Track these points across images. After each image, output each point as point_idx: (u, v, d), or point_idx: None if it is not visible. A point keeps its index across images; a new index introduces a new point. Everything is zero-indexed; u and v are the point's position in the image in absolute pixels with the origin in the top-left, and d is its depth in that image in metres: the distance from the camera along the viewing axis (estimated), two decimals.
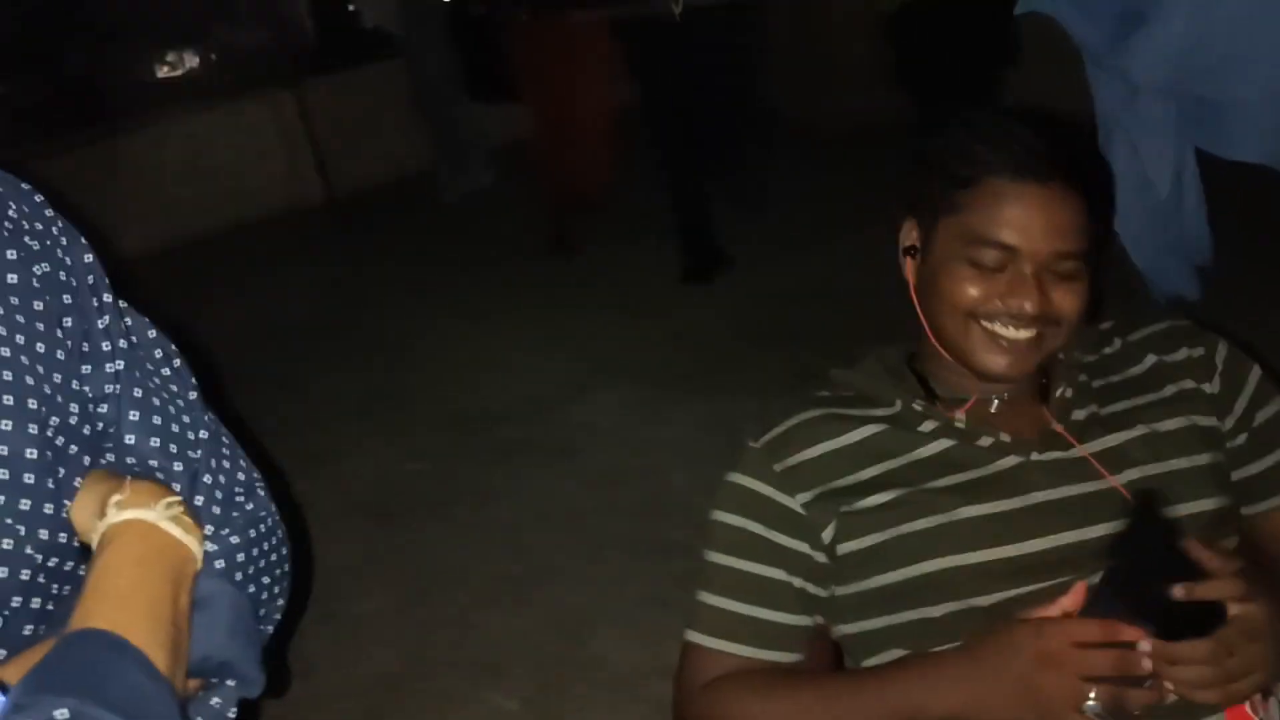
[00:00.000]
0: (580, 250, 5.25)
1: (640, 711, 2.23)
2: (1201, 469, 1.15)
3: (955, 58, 4.11)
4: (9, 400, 0.72)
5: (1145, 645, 0.96)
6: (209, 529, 0.83)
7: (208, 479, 0.85)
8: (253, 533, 0.87)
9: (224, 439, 0.90)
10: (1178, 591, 0.95)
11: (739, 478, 1.23)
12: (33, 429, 0.73)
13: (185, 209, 6.96)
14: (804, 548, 1.18)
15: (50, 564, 0.74)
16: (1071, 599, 1.02)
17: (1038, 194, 1.14)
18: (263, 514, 0.90)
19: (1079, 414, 1.19)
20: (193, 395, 0.89)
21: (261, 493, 0.91)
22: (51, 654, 0.66)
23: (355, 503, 3.34)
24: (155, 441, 0.82)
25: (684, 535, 2.79)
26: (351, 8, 7.82)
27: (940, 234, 1.20)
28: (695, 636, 1.21)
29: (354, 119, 7.72)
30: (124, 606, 0.70)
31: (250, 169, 7.53)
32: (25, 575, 0.72)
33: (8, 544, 0.70)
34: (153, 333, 0.89)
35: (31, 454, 0.73)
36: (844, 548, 1.17)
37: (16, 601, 0.72)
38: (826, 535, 1.17)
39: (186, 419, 0.86)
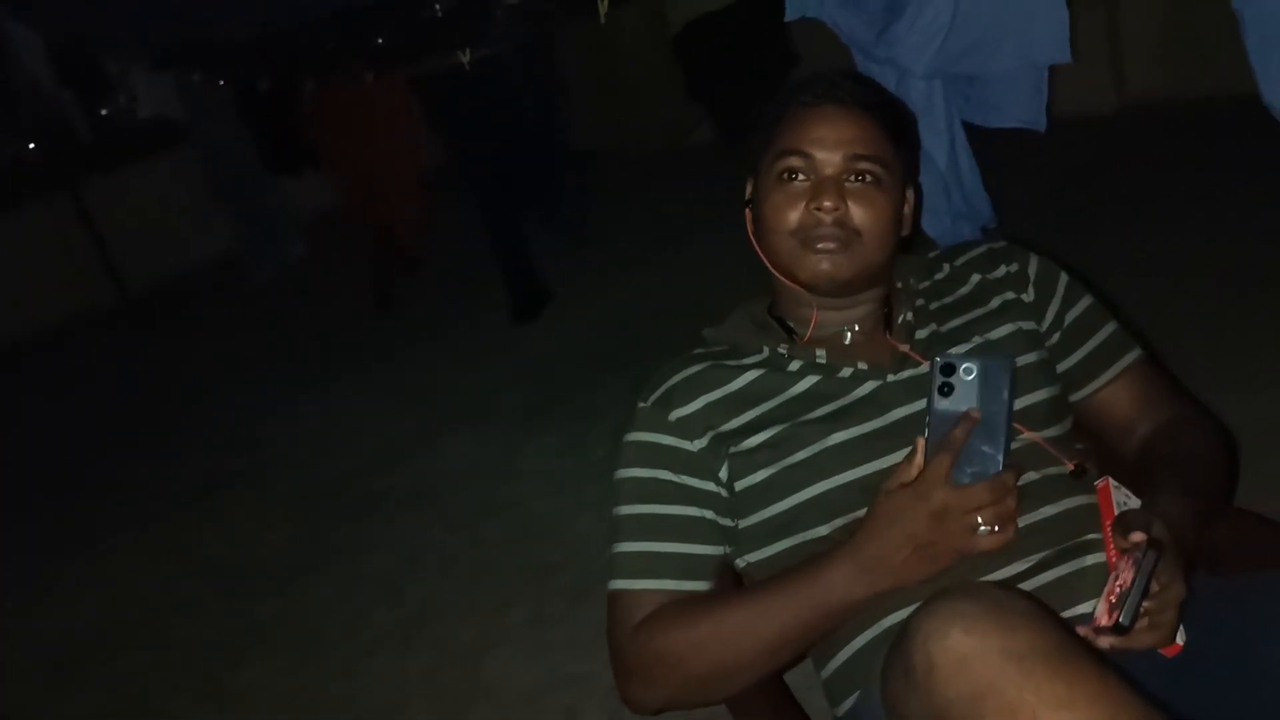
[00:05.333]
0: (403, 305, 5.27)
1: None
2: (1031, 366, 1.30)
3: (739, 67, 4.38)
4: None
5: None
6: None
7: None
8: None
9: None
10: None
11: (639, 434, 1.33)
12: None
13: None
14: (710, 485, 1.29)
15: None
16: (919, 457, 1.13)
17: (829, 110, 1.30)
18: None
19: (921, 334, 1.33)
20: None
21: None
22: None
23: (216, 580, 3.26)
24: None
25: (558, 555, 2.86)
26: (124, 100, 7.59)
27: (762, 173, 1.35)
28: (620, 584, 1.28)
29: (141, 213, 7.48)
30: None
31: (31, 280, 7.19)
32: None
33: None
34: None
35: None
36: (739, 485, 1.27)
37: None
38: (723, 475, 1.28)
39: None
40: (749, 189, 1.40)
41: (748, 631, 1.18)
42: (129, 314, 6.92)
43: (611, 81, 5.97)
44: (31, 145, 7.57)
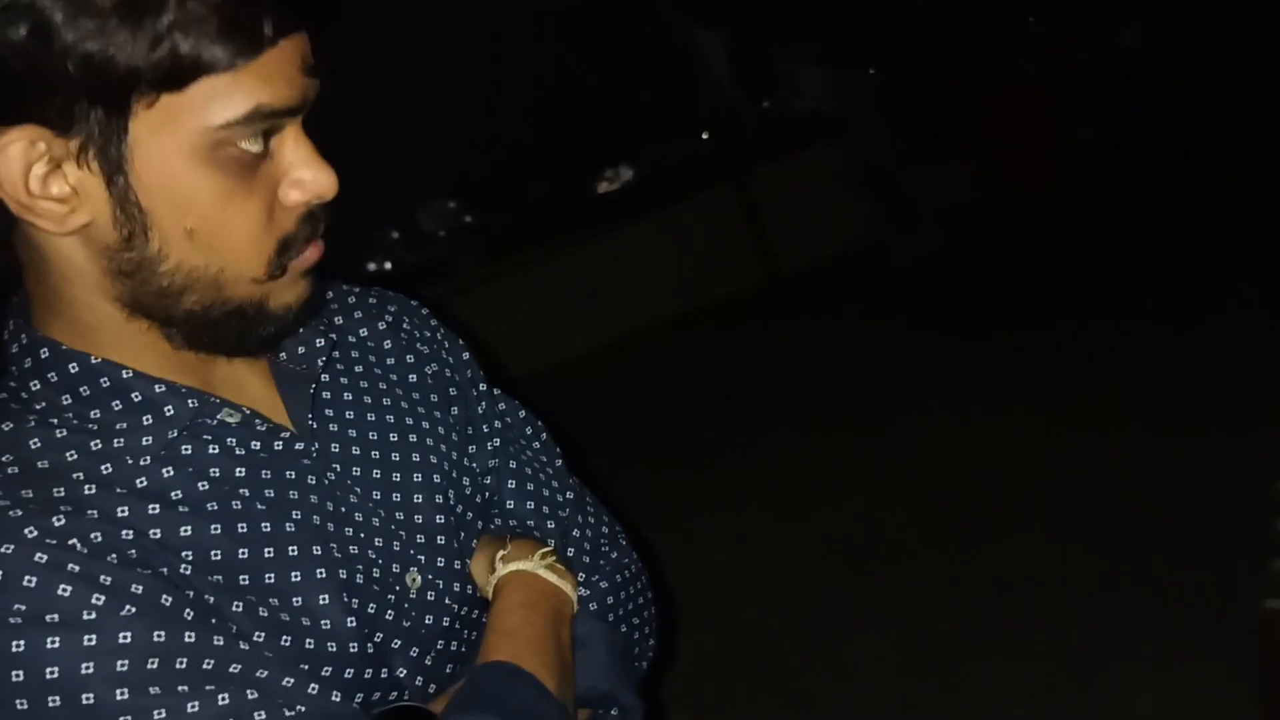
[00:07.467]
0: (1037, 300, 5.10)
1: None
2: None
3: None
4: (422, 479, 0.89)
5: None
6: (581, 576, 0.95)
7: (576, 533, 0.98)
8: (619, 578, 0.98)
9: (588, 499, 1.03)
10: None
11: None
12: (439, 500, 0.90)
13: (636, 304, 7.55)
14: None
15: (462, 613, 0.89)
16: None
17: None
18: (626, 561, 1.01)
19: None
20: (559, 463, 1.02)
21: (624, 543, 1.03)
22: (465, 683, 0.84)
23: (833, 551, 3.44)
24: (530, 505, 0.97)
25: (1190, 577, 2.64)
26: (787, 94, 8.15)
27: None
28: None
29: (795, 200, 8.02)
30: (515, 642, 0.85)
31: (694, 262, 8.01)
32: (446, 622, 0.88)
33: (432, 596, 0.87)
34: (522, 413, 1.03)
35: (440, 521, 0.89)
36: None
37: (440, 645, 0.88)
38: None
39: (555, 484, 1.00)
40: None
41: None
42: (774, 293, 7.45)
43: None
44: (705, 136, 8.43)
